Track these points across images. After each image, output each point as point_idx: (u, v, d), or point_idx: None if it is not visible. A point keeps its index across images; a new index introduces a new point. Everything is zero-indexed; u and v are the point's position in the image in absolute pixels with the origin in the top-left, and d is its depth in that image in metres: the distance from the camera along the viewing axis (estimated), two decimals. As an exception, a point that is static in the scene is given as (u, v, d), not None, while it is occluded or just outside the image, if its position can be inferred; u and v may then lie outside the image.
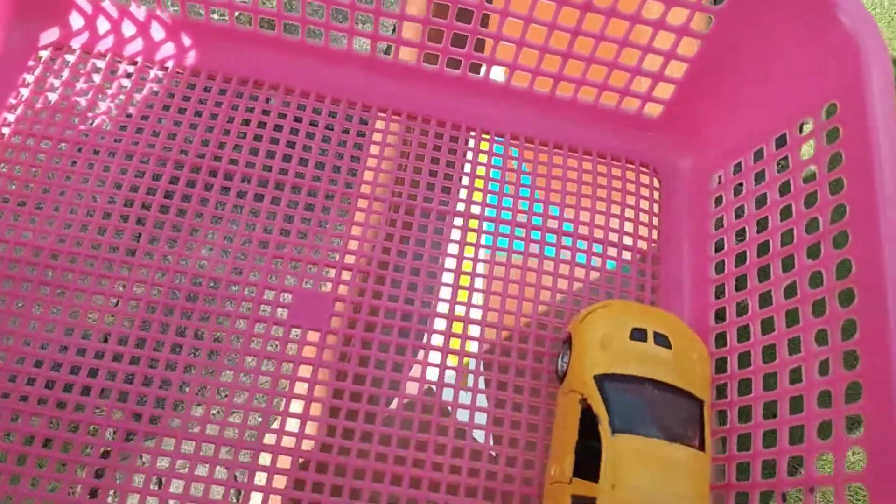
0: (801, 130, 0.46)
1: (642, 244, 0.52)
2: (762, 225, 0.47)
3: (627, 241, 0.52)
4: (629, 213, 0.53)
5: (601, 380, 0.41)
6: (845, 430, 0.37)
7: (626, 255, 0.51)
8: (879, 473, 0.34)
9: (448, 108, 0.54)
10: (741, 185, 0.50)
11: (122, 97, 0.51)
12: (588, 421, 0.40)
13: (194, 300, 0.46)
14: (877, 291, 0.36)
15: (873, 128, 0.40)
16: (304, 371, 0.45)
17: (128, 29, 0.53)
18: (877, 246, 0.37)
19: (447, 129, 0.54)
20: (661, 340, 0.42)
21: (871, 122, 0.40)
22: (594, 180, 0.53)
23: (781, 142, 0.47)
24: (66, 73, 0.51)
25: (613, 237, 0.52)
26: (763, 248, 0.46)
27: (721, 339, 0.47)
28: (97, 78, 0.52)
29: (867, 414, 0.35)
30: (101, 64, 0.52)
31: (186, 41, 0.54)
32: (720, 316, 0.48)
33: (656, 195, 0.54)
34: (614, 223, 0.52)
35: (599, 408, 0.40)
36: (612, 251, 0.51)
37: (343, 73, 0.54)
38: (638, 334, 0.42)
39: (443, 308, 0.48)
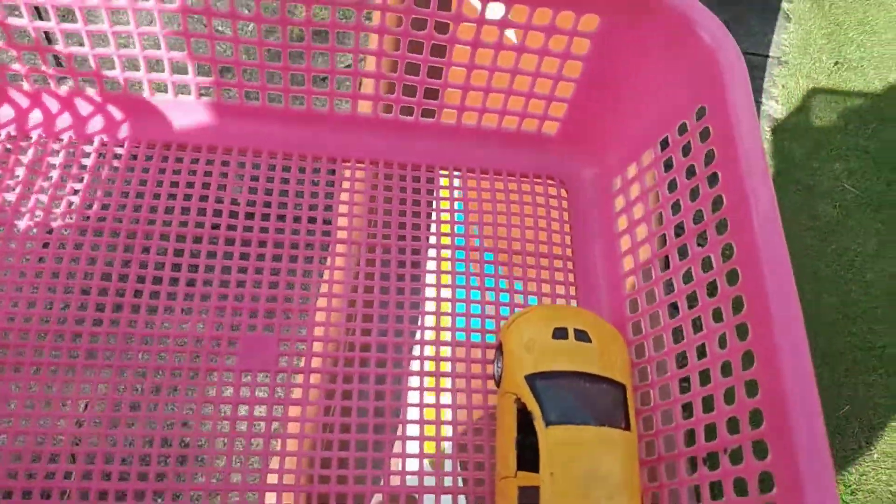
0: (680, 132, 0.51)
1: (557, 250, 0.57)
2: (659, 220, 0.52)
3: (544, 249, 0.56)
4: (542, 223, 0.57)
5: (532, 378, 0.45)
6: (746, 395, 0.42)
7: (544, 262, 0.56)
8: (774, 428, 0.38)
9: (360, 145, 0.58)
10: (639, 185, 0.55)
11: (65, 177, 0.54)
12: (524, 417, 0.44)
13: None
14: (755, 268, 0.41)
15: (735, 126, 0.45)
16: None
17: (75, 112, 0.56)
18: (750, 228, 0.42)
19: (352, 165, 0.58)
20: (582, 336, 0.47)
21: (734, 121, 0.45)
22: (507, 197, 0.58)
23: (666, 144, 0.52)
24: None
25: (531, 247, 0.56)
26: (662, 241, 0.51)
27: (637, 327, 0.52)
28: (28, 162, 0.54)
29: (760, 377, 0.40)
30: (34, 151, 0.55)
31: (134, 117, 0.57)
32: (634, 306, 0.53)
33: (565, 204, 0.59)
34: (530, 234, 0.57)
35: (532, 404, 0.44)
36: (531, 260, 0.56)
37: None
38: (559, 333, 0.46)
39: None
